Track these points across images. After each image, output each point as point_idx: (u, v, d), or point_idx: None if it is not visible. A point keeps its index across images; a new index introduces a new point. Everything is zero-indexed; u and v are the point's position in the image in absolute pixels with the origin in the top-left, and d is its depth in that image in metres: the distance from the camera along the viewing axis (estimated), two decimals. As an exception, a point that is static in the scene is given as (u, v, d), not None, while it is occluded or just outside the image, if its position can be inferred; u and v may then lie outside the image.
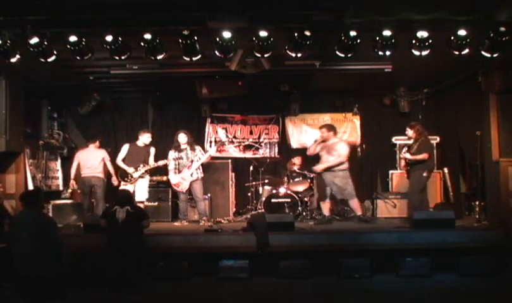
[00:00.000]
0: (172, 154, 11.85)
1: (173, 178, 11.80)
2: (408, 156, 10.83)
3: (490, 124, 10.46)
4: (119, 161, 11.72)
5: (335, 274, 9.27)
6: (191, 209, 12.27)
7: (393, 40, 8.39)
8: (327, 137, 11.30)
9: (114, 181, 11.92)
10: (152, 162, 11.71)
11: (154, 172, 12.99)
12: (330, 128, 11.50)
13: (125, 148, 11.79)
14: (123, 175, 11.59)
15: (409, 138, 11.18)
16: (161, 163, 11.77)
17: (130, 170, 11.49)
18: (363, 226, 10.79)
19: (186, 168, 11.67)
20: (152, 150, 11.87)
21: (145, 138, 11.77)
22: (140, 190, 11.60)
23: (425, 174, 10.59)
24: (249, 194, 12.70)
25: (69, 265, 6.71)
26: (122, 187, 11.18)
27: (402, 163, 11.29)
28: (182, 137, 11.79)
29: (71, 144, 13.76)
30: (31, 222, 6.65)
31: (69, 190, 12.37)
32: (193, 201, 12.14)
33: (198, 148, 12.03)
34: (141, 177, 11.60)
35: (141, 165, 11.56)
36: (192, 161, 11.70)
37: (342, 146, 11.23)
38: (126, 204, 8.67)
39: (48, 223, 6.91)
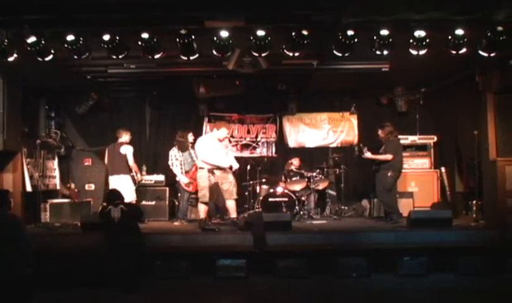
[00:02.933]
0: (176, 154, 11.82)
1: (183, 178, 11.73)
2: (369, 155, 11.24)
3: (487, 123, 10.46)
4: (133, 163, 11.48)
5: (332, 273, 9.26)
6: (190, 208, 12.26)
7: (391, 40, 8.36)
8: None
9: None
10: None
11: (152, 171, 13.04)
12: None
13: (131, 149, 11.54)
14: (134, 178, 11.50)
15: (380, 138, 11.33)
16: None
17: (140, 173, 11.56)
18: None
19: (194, 169, 11.62)
20: None
21: (127, 138, 11.68)
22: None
23: (389, 174, 10.80)
24: (246, 193, 12.68)
25: (34, 267, 6.42)
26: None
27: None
28: (191, 138, 11.88)
29: (69, 144, 13.77)
30: None
31: None
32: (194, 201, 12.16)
33: None
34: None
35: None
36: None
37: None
38: (119, 203, 8.70)
39: (12, 222, 6.64)
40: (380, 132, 11.34)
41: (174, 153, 11.83)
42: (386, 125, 11.32)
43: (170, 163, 11.84)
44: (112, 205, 8.71)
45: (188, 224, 11.63)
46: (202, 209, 10.76)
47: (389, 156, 10.89)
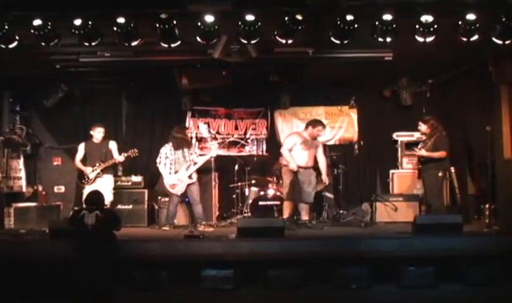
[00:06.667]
0: (168, 152, 11.70)
1: (169, 179, 11.64)
2: (423, 153, 10.86)
3: (501, 118, 10.52)
4: (77, 161, 11.64)
5: (330, 284, 9.25)
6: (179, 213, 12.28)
7: (394, 25, 8.41)
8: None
9: None
10: (117, 157, 11.66)
11: (129, 172, 12.98)
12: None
13: (81, 148, 11.69)
14: (80, 177, 11.53)
15: (422, 134, 11.25)
16: (120, 158, 11.66)
17: (88, 170, 11.42)
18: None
19: (183, 169, 11.62)
20: (113, 144, 11.80)
21: (96, 133, 11.66)
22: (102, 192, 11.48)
23: (440, 174, 10.68)
24: (234, 196, 12.70)
25: None
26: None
27: (415, 160, 11.64)
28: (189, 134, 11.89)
29: (35, 141, 13.72)
30: None
31: None
32: (182, 205, 12.25)
33: (194, 146, 12.05)
34: (98, 176, 11.47)
35: (97, 164, 11.46)
36: (191, 161, 11.67)
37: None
38: (95, 208, 8.63)
39: None
40: (424, 127, 11.14)
41: (165, 151, 11.72)
42: (431, 119, 11.13)
43: (158, 160, 11.74)
44: (86, 210, 8.65)
45: (174, 229, 11.52)
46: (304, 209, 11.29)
47: (443, 153, 10.66)
